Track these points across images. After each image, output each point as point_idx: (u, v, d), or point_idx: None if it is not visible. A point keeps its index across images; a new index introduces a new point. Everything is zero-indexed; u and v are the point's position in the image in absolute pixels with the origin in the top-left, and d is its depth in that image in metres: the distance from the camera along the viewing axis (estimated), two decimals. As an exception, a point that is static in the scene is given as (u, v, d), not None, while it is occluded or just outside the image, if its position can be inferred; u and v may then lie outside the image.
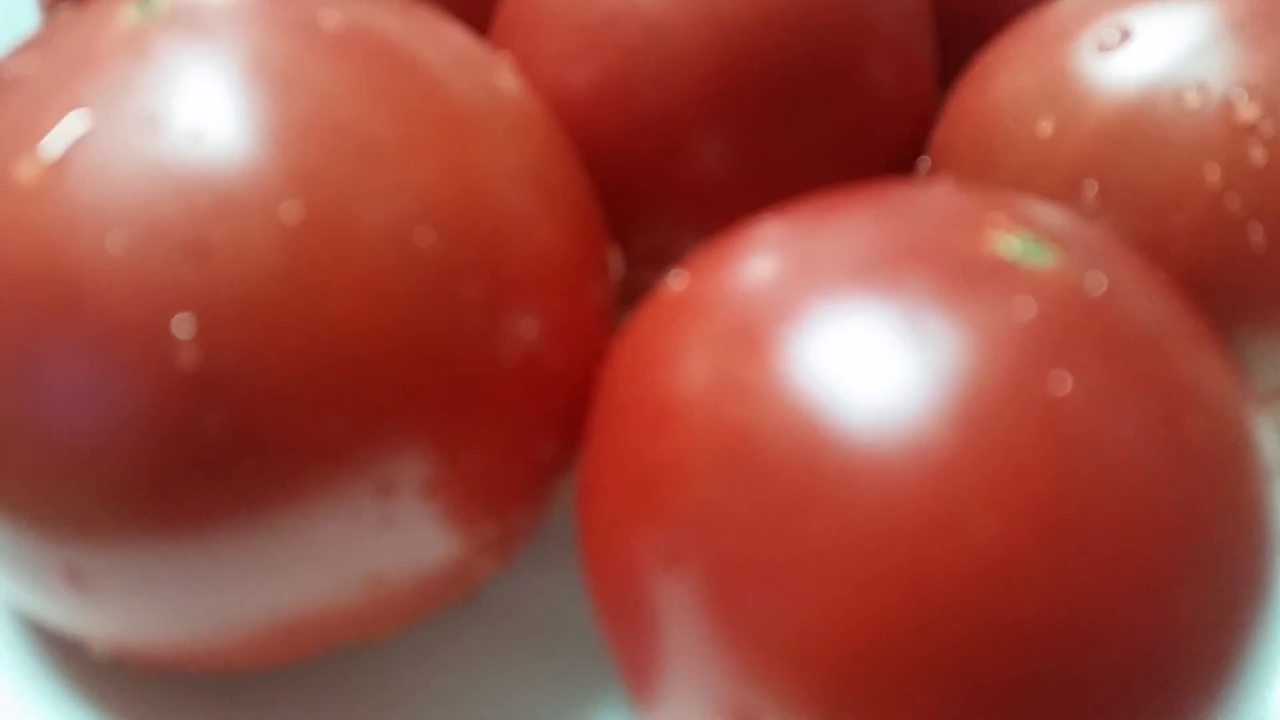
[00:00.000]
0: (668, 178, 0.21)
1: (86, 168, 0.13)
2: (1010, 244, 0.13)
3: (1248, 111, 0.17)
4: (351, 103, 0.14)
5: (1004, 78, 0.20)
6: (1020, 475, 0.11)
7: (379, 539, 0.14)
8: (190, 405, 0.13)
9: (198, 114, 0.13)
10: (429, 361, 0.14)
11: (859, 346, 0.12)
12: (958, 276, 0.13)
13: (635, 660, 0.14)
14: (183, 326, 0.13)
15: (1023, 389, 0.12)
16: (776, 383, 0.12)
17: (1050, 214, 0.14)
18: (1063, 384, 0.12)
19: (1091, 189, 0.18)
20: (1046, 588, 0.11)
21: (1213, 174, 0.17)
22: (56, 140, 0.13)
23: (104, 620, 0.14)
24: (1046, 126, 0.18)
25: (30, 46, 0.15)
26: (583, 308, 0.16)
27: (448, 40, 0.16)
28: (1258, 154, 0.17)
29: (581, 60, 0.20)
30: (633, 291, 0.23)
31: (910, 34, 0.21)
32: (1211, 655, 0.12)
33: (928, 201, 0.14)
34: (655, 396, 0.14)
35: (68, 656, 0.17)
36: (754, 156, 0.20)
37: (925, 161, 0.21)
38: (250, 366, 0.13)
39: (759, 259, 0.14)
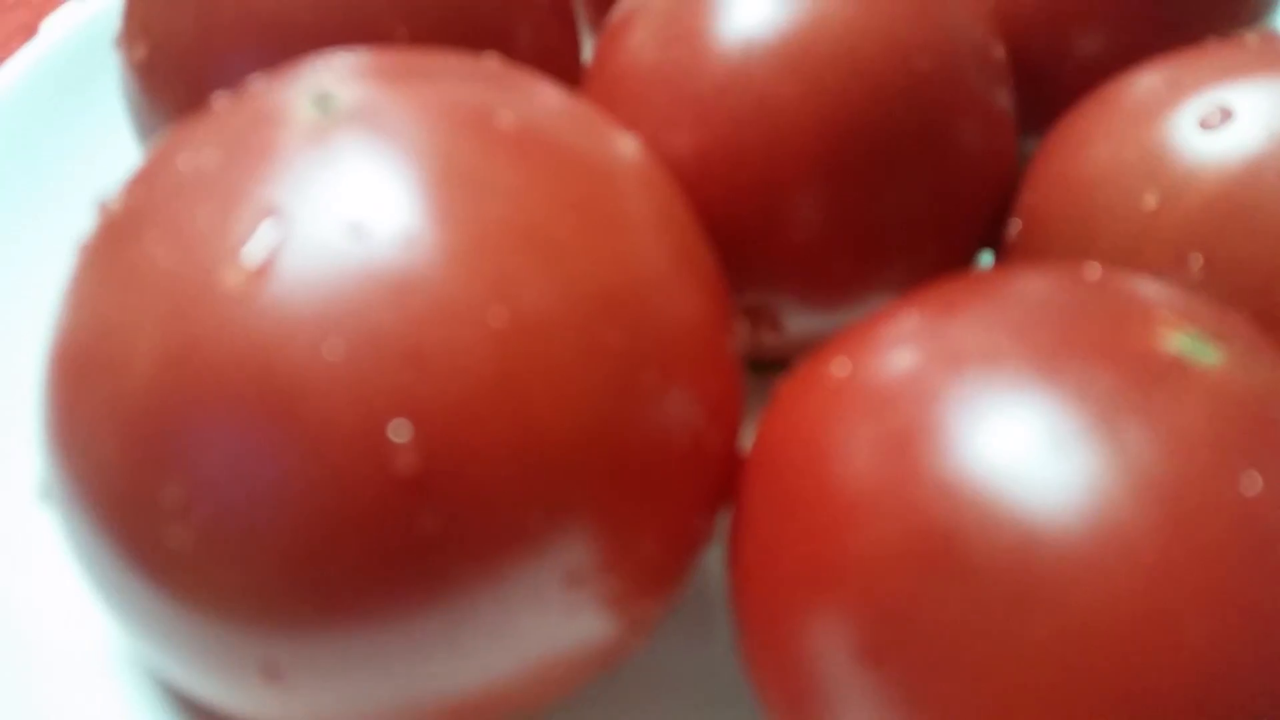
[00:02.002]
0: (769, 240, 0.21)
1: (294, 274, 0.13)
2: (1180, 341, 0.14)
3: (1350, 191, 0.18)
4: (537, 203, 0.14)
5: (1100, 149, 0.20)
6: (1226, 575, 0.12)
7: (562, 622, 0.15)
8: (405, 506, 0.13)
9: (399, 219, 0.14)
10: (615, 453, 0.14)
11: (1055, 444, 0.13)
12: (1139, 375, 0.13)
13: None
14: (400, 431, 0.13)
15: (1219, 490, 0.12)
16: (975, 480, 0.13)
17: (1202, 305, 0.15)
18: (1254, 484, 0.12)
19: (1196, 262, 0.18)
20: (1259, 684, 0.12)
21: (1318, 251, 0.18)
22: (257, 246, 0.13)
23: (290, 709, 0.15)
24: (1150, 200, 0.19)
25: (201, 140, 0.15)
26: (728, 380, 0.17)
27: (594, 124, 0.17)
28: (1360, 232, 0.18)
29: (690, 128, 0.21)
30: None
31: (995, 92, 0.22)
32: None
33: (1089, 293, 0.15)
34: (835, 488, 0.14)
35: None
36: (853, 218, 0.21)
37: (1016, 224, 0.22)
38: (462, 467, 0.13)
39: (927, 347, 0.15)
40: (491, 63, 0.17)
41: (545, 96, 0.16)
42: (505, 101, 0.15)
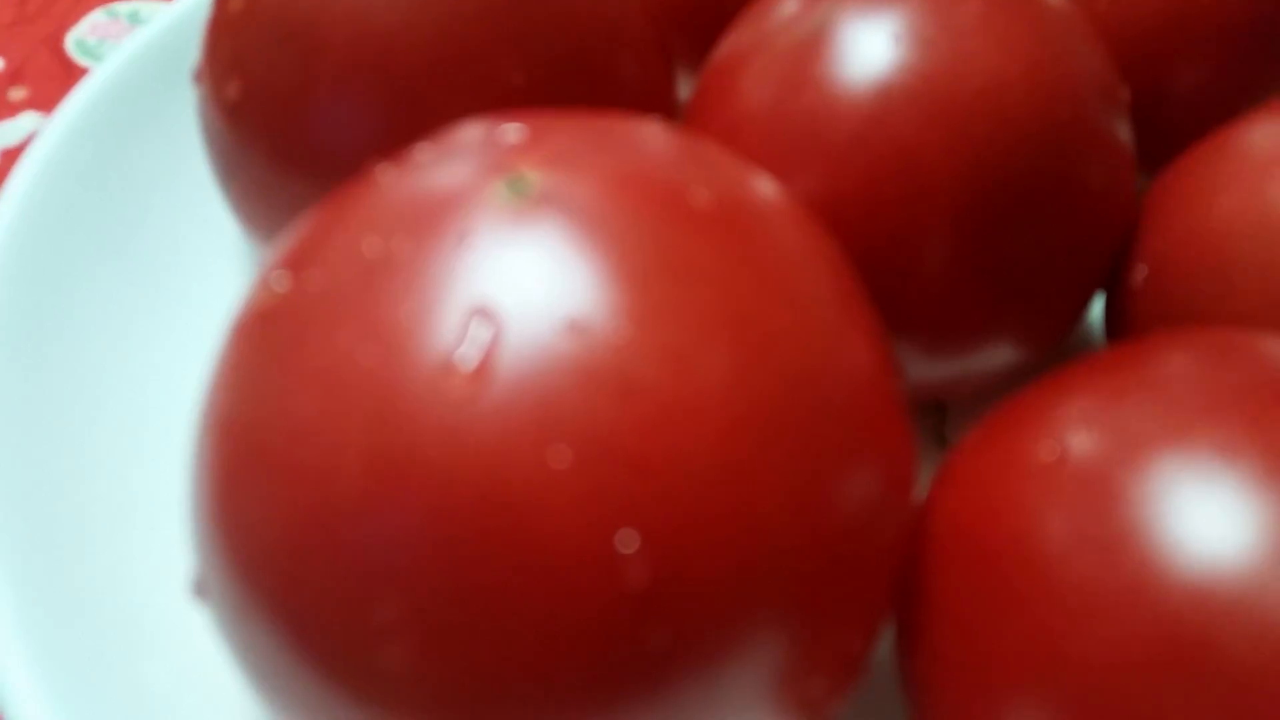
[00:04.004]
0: (900, 291, 0.21)
1: (513, 377, 0.12)
2: None
3: None
4: (745, 291, 0.14)
5: (1235, 200, 0.20)
6: None
7: (765, 725, 0.14)
8: (632, 620, 0.12)
9: (615, 315, 0.13)
10: (832, 549, 0.14)
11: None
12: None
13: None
14: (628, 542, 0.12)
15: None
16: (1226, 583, 0.12)
17: None
18: None
19: (1353, 321, 0.18)
20: None
21: None
22: (471, 345, 0.13)
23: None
24: (1301, 254, 0.19)
25: (380, 219, 0.14)
26: (910, 451, 0.16)
27: (764, 185, 0.16)
28: None
29: (821, 177, 0.20)
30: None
31: (1121, 134, 0.22)
32: None
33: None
34: (1060, 584, 0.14)
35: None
36: (988, 268, 0.20)
37: (1142, 270, 0.22)
38: (690, 578, 0.13)
39: (1148, 432, 0.14)
40: (655, 126, 0.16)
41: (720, 162, 0.16)
42: (692, 176, 0.15)
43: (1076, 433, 0.15)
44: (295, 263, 0.14)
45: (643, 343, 0.13)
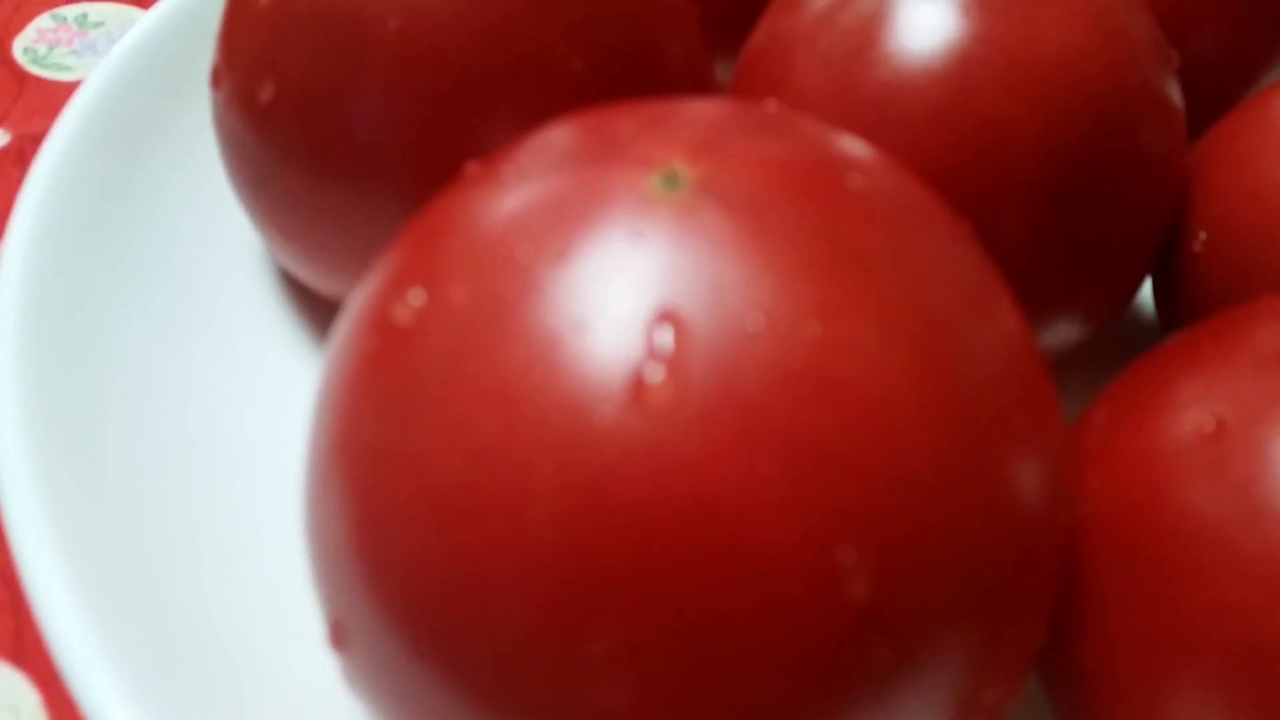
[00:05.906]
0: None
1: (707, 385, 0.12)
2: None
3: None
4: (918, 277, 0.13)
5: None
6: None
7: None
8: (858, 635, 0.12)
9: (801, 311, 0.12)
10: (1022, 547, 0.13)
11: None
12: None
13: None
14: (846, 554, 0.12)
15: None
16: None
17: None
18: None
19: None
20: None
21: None
22: (658, 354, 0.12)
23: None
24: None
25: (524, 223, 0.13)
26: (1066, 435, 0.15)
27: (886, 162, 0.15)
28: None
29: (905, 155, 0.19)
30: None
31: (1176, 99, 0.22)
32: None
33: None
34: (1246, 554, 0.13)
35: None
36: (1065, 236, 0.20)
37: (1201, 236, 0.22)
38: (908, 585, 0.12)
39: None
40: (772, 106, 0.15)
41: (846, 141, 0.15)
42: (837, 156, 0.14)
43: (1224, 405, 0.15)
44: (426, 277, 0.13)
45: (833, 338, 0.12)
